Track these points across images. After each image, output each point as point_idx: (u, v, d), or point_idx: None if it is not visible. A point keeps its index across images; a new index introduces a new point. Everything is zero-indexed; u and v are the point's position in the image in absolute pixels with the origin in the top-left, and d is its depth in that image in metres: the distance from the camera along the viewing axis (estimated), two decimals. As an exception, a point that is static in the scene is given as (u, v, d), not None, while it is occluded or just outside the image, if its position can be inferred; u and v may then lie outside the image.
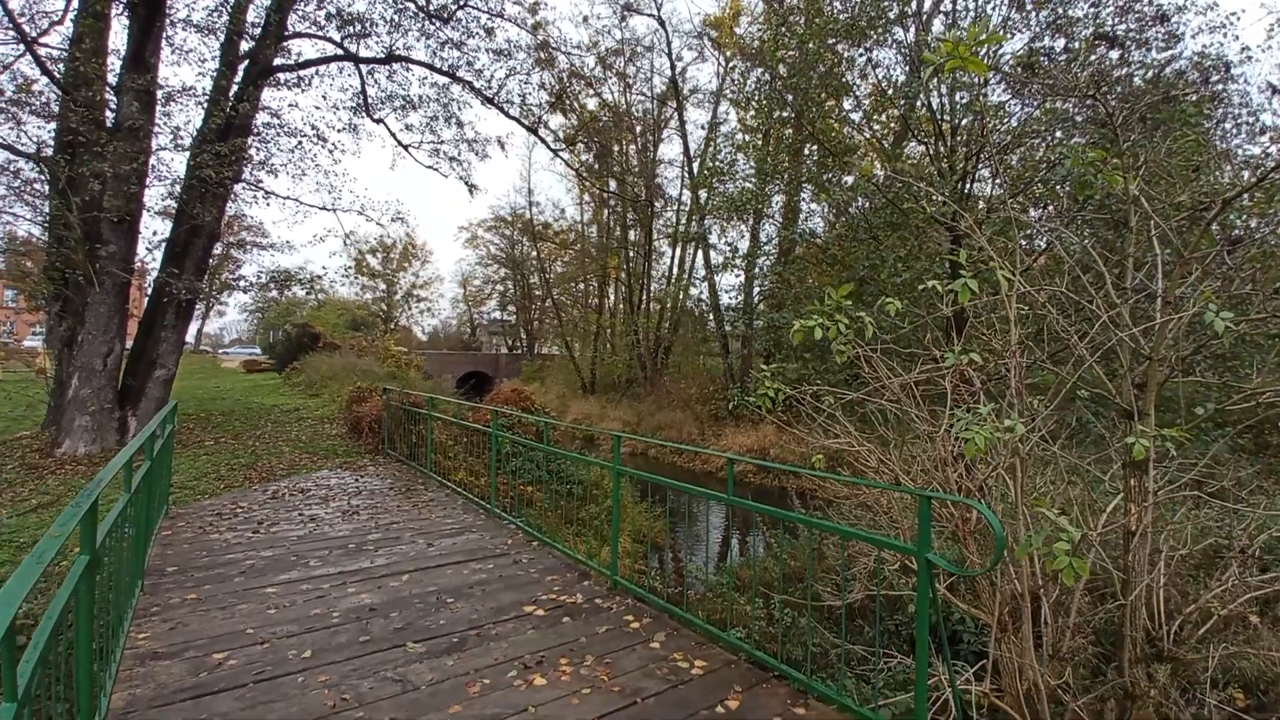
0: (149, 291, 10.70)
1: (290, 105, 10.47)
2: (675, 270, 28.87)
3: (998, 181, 10.18)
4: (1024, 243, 9.67)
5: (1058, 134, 9.05)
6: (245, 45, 10.71)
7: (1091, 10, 8.50)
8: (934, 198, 9.51)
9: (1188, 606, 3.36)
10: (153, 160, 10.07)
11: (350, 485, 7.18)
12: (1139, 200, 3.45)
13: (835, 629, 4.56)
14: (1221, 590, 3.18)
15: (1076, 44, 7.88)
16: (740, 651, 3.21)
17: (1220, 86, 7.98)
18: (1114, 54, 7.51)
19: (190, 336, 56.57)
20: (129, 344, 10.44)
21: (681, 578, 6.49)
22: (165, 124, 10.14)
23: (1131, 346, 3.15)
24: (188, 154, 9.74)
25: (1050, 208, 7.29)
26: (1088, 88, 5.49)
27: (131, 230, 9.71)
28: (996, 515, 2.43)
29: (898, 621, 4.78)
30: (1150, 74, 7.95)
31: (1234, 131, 8.41)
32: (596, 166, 27.46)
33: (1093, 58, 7.85)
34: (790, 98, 12.55)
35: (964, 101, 9.74)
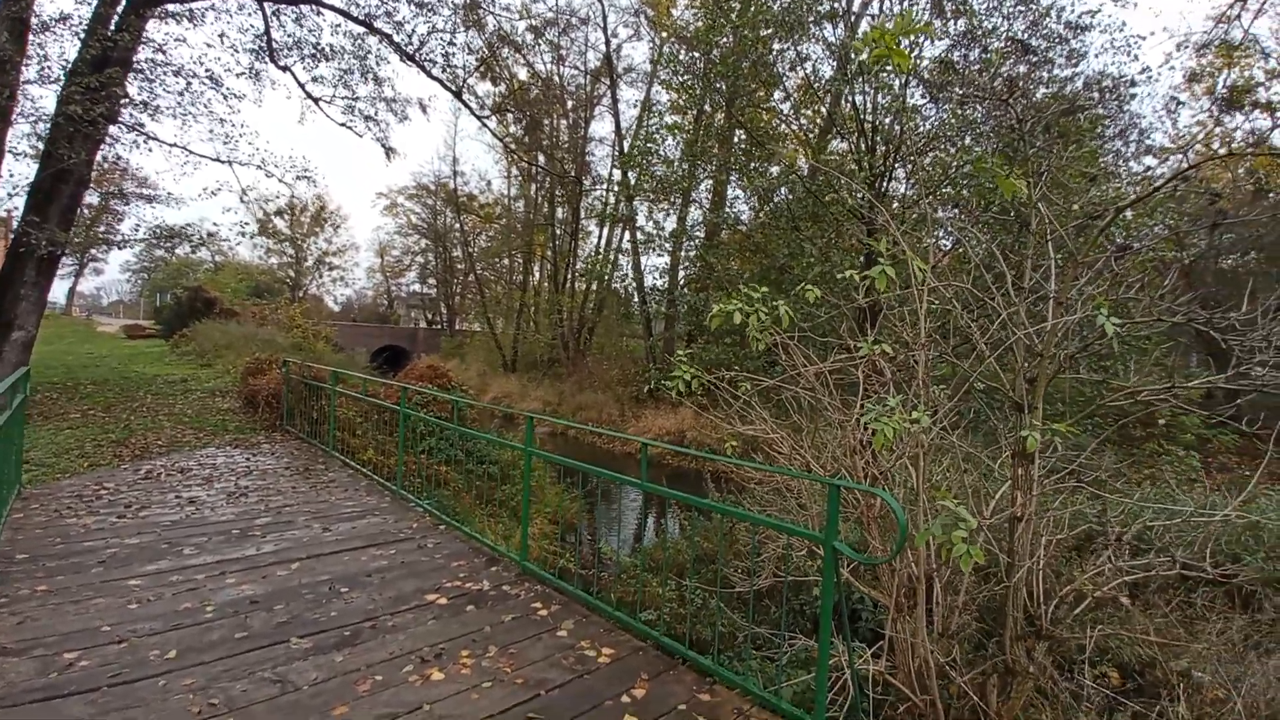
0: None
1: (177, 40, 9.22)
2: (602, 249, 28.61)
3: (911, 182, 10.66)
4: (932, 241, 10.21)
5: (967, 140, 9.57)
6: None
7: (1005, 23, 8.99)
8: (854, 192, 9.85)
9: (1063, 588, 3.64)
10: (21, 96, 8.77)
11: (240, 464, 6.62)
12: (1038, 206, 3.64)
13: (745, 611, 4.65)
14: (1095, 573, 3.45)
15: (989, 55, 8.32)
16: (649, 638, 3.18)
17: (1116, 106, 8.69)
18: (1022, 67, 7.99)
19: (61, 297, 50.80)
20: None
21: (595, 561, 6.44)
22: (38, 55, 8.82)
23: (1025, 343, 3.33)
24: (57, 88, 8.53)
25: (957, 209, 7.70)
26: (1001, 91, 5.79)
27: (-13, 176, 8.47)
28: (899, 502, 2.49)
29: (803, 602, 4.94)
30: (1054, 89, 8.53)
31: (1124, 150, 9.20)
32: (526, 139, 26.65)
33: (1004, 68, 8.32)
34: (722, 85, 12.58)
35: (885, 102, 10.08)
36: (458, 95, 11.33)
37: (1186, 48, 14.08)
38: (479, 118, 13.19)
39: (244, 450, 7.34)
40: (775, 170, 11.22)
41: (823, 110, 14.46)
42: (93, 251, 42.93)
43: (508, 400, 25.14)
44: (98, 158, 10.34)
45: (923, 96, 9.61)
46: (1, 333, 8.65)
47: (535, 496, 10.70)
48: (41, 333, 26.37)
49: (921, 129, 9.83)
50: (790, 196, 11.51)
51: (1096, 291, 3.26)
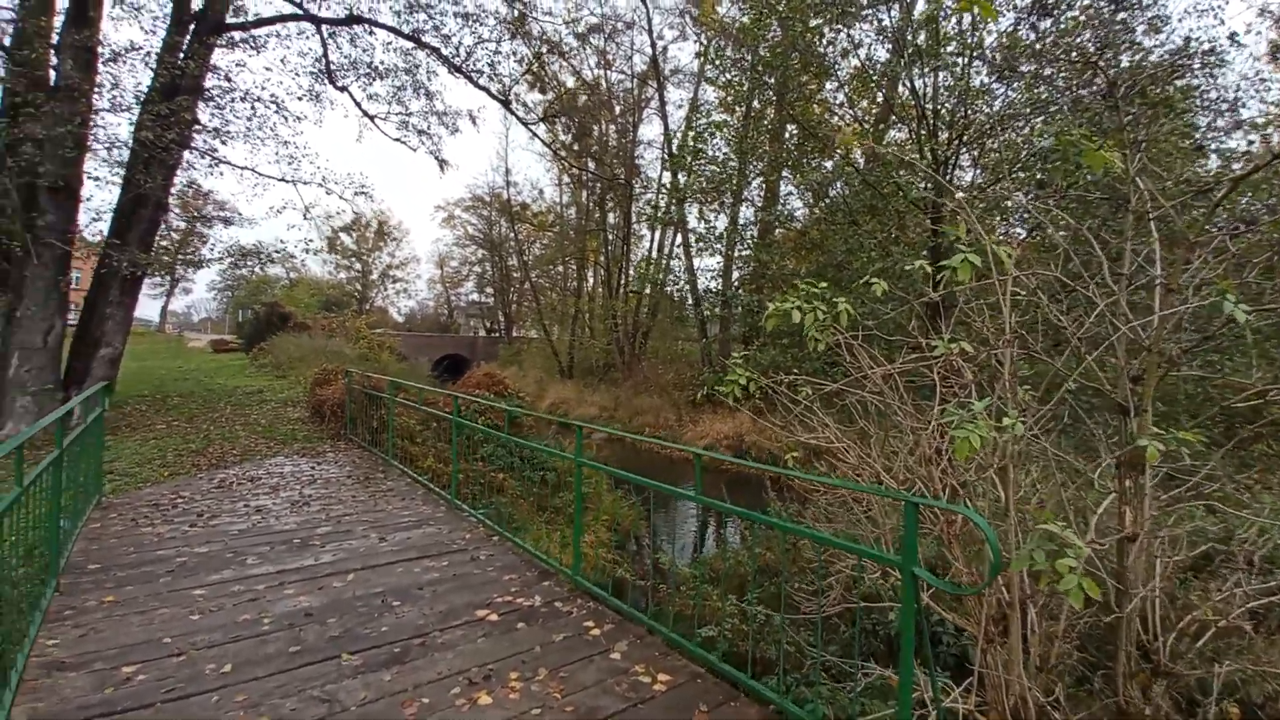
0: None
1: (238, 65, 9.68)
2: (654, 253, 28.49)
3: (979, 168, 10.00)
4: (1002, 230, 9.54)
5: (1038, 122, 8.87)
6: (197, 3, 10.04)
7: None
8: (916, 181, 9.32)
9: (1181, 615, 3.20)
10: (99, 125, 9.42)
11: (305, 473, 6.80)
12: (1136, 180, 3.23)
13: (810, 631, 4.36)
14: (1222, 599, 3.02)
15: (1063, 24, 7.67)
16: (708, 664, 2.97)
17: (1207, 75, 7.84)
18: (1103, 31, 7.29)
19: (155, 315, 54.80)
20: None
21: (654, 574, 6.26)
22: (110, 83, 9.47)
23: (1129, 337, 2.94)
24: (130, 116, 9.11)
25: (1041, 188, 7.08)
26: (1089, 54, 5.26)
27: (71, 199, 9.09)
28: (984, 518, 2.20)
29: (874, 622, 4.60)
30: (1137, 57, 7.79)
31: (1216, 123, 8.28)
32: (575, 147, 26.87)
33: (1080, 37, 7.65)
34: (771, 79, 12.21)
35: (948, 84, 9.51)
36: (505, 103, 11.47)
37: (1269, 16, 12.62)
38: (525, 124, 13.32)
39: (310, 459, 7.56)
40: (830, 164, 10.78)
41: (878, 99, 13.85)
42: (180, 271, 46.16)
43: (564, 406, 25.33)
44: (176, 183, 11.04)
45: (989, 76, 8.99)
46: (89, 350, 9.26)
47: (592, 504, 10.63)
48: (136, 349, 28.47)
49: (987, 110, 9.20)
50: (847, 190, 11.04)
51: (1214, 275, 2.85)
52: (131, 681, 2.66)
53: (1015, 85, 8.81)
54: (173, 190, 11.01)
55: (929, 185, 9.04)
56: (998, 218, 8.95)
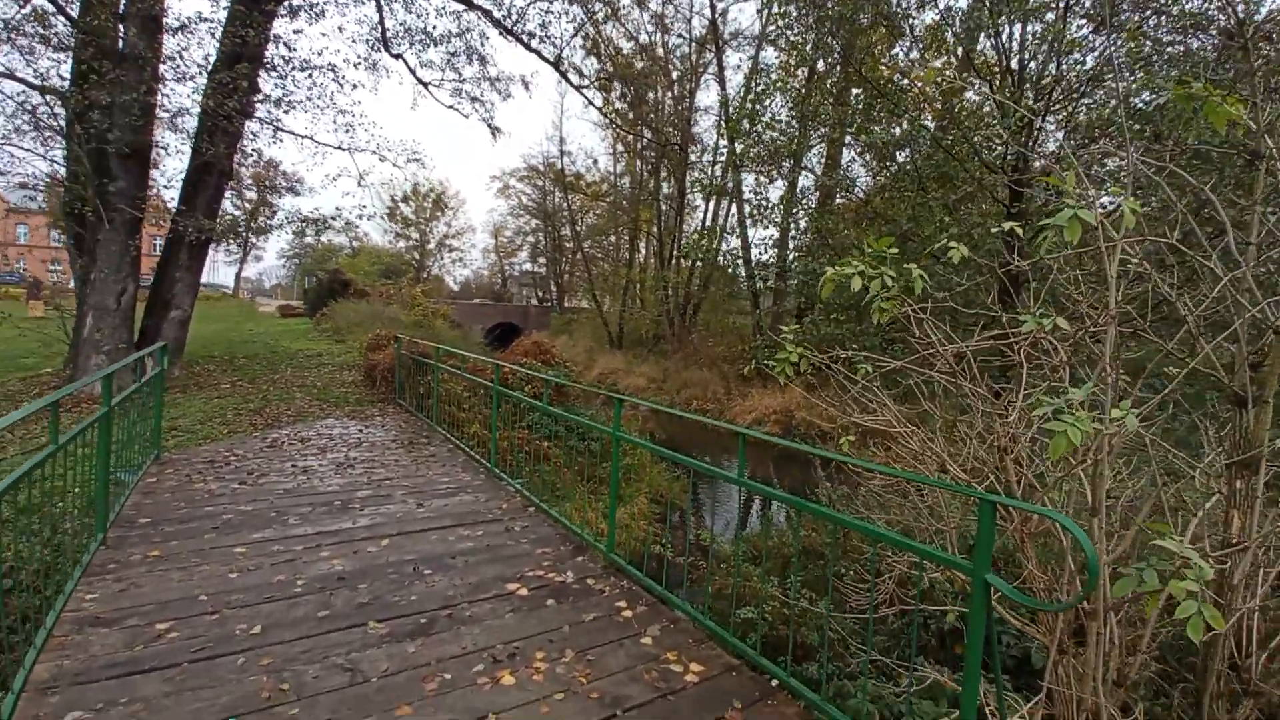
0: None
1: (296, 33, 9.70)
2: (709, 223, 27.84)
3: (1067, 134, 9.08)
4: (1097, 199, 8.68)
5: (1138, 77, 7.94)
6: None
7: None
8: (997, 143, 8.58)
9: (1276, 628, 2.80)
10: (167, 94, 9.70)
11: (353, 436, 6.93)
12: (1265, 137, 2.72)
13: (856, 622, 4.11)
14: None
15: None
16: (744, 656, 2.78)
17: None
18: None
19: (230, 281, 57.84)
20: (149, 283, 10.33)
21: (693, 551, 6.10)
22: (178, 54, 9.71)
23: (1257, 316, 2.50)
24: (193, 85, 9.32)
25: (1137, 150, 6.33)
26: None
27: (141, 166, 9.41)
28: (1076, 523, 1.89)
29: (927, 616, 4.30)
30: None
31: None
32: (631, 114, 26.31)
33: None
34: (836, 39, 11.44)
35: (1037, 35, 8.63)
36: (556, 65, 11.19)
37: None
38: (578, 89, 13.02)
39: (358, 422, 7.71)
40: (898, 129, 10.05)
41: (953, 60, 12.81)
42: (253, 239, 48.38)
43: (613, 377, 25.33)
44: (244, 154, 11.34)
45: (1086, 25, 8.08)
46: (160, 311, 9.68)
47: (635, 475, 10.56)
48: (211, 311, 29.90)
49: (1084, 65, 8.31)
50: (916, 155, 10.30)
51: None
52: (162, 639, 2.68)
53: (1117, 37, 7.89)
54: (236, 158, 11.33)
55: (1010, 149, 8.29)
56: (1089, 186, 8.14)
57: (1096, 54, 8.55)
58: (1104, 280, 2.24)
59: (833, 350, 2.97)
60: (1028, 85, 8.61)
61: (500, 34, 10.74)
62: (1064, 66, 8.38)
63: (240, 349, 14.74)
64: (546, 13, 10.50)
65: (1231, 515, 2.62)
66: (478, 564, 3.65)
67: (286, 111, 11.04)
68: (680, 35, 27.31)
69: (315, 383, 10.60)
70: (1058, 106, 8.69)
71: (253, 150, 10.84)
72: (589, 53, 25.20)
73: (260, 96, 10.54)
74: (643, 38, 26.71)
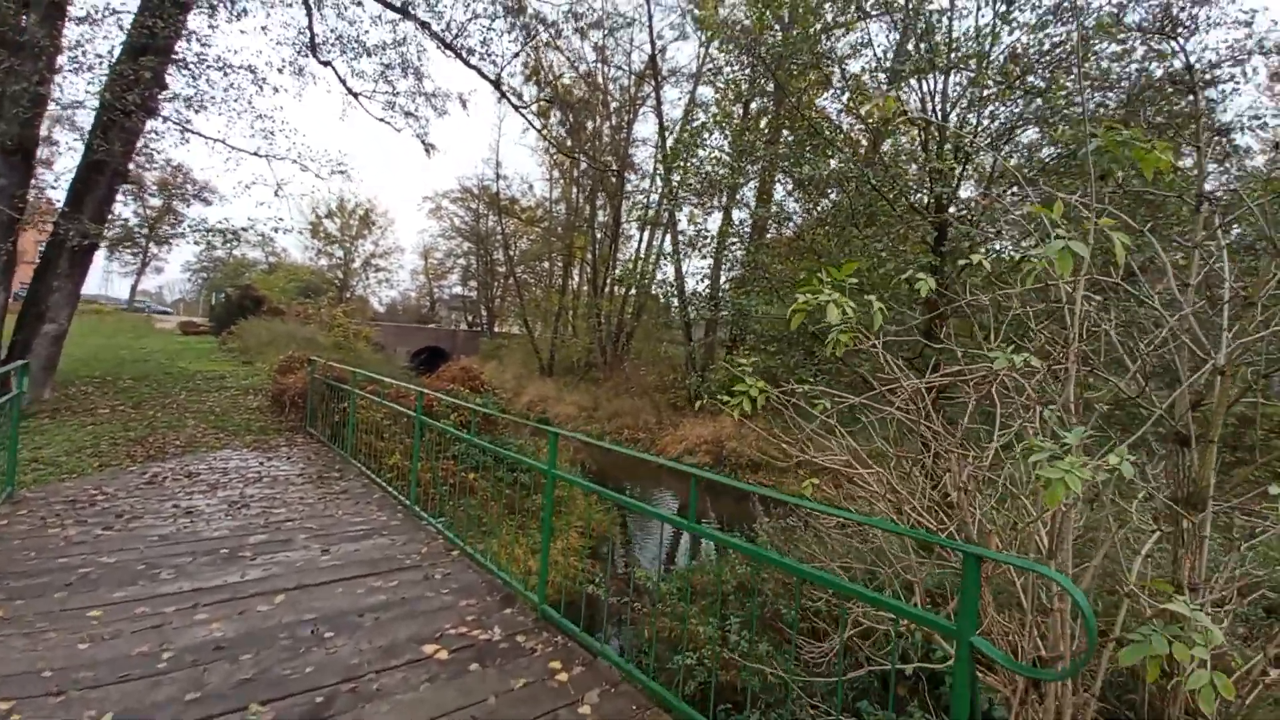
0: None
1: (211, 27, 8.90)
2: (642, 253, 28.01)
3: (988, 181, 9.60)
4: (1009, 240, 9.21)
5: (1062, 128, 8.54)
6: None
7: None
8: (918, 187, 8.96)
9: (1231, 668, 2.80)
10: (60, 85, 8.70)
11: (252, 469, 6.20)
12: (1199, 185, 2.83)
13: (806, 670, 3.90)
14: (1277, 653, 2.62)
15: (1089, 28, 7.31)
16: (694, 725, 2.49)
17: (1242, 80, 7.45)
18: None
19: (126, 293, 53.20)
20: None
21: (629, 591, 5.74)
22: (82, 46, 8.75)
23: (1198, 356, 2.53)
24: (90, 77, 8.42)
25: (1075, 193, 6.74)
26: (1163, 25, 4.87)
27: (25, 163, 8.38)
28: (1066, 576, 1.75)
29: (869, 656, 4.15)
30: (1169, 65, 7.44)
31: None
32: (569, 142, 26.33)
33: (1099, 45, 7.31)
34: (769, 82, 11.84)
35: (962, 86, 9.16)
36: (496, 84, 10.89)
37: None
38: (517, 108, 12.74)
39: (260, 453, 6.95)
40: (830, 165, 10.41)
41: (878, 106, 13.52)
42: (153, 249, 44.77)
43: (543, 404, 24.75)
44: (147, 156, 10.32)
45: (997, 84, 8.65)
46: (33, 324, 8.54)
47: (565, 507, 10.12)
48: (100, 326, 27.18)
49: (1000, 115, 8.87)
50: (846, 193, 10.68)
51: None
52: (-23, 734, 2.12)
53: (1027, 94, 8.47)
54: (139, 160, 10.32)
55: (935, 191, 8.67)
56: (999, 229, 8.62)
57: (1009, 109, 9.18)
58: (1050, 317, 2.18)
59: (787, 385, 2.80)
60: (948, 134, 9.09)
61: (439, 47, 10.37)
62: (980, 120, 8.90)
63: (129, 368, 13.30)
64: (488, 29, 10.25)
65: (1180, 556, 2.61)
66: (391, 621, 3.19)
67: (198, 112, 10.19)
68: (620, 68, 27.76)
69: (214, 408, 9.61)
70: (978, 155, 9.21)
71: (153, 150, 9.87)
72: (529, 79, 25.16)
73: (169, 94, 9.68)
74: (583, 67, 26.95)
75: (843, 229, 10.43)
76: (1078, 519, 2.68)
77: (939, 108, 9.32)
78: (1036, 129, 9.27)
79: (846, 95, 11.61)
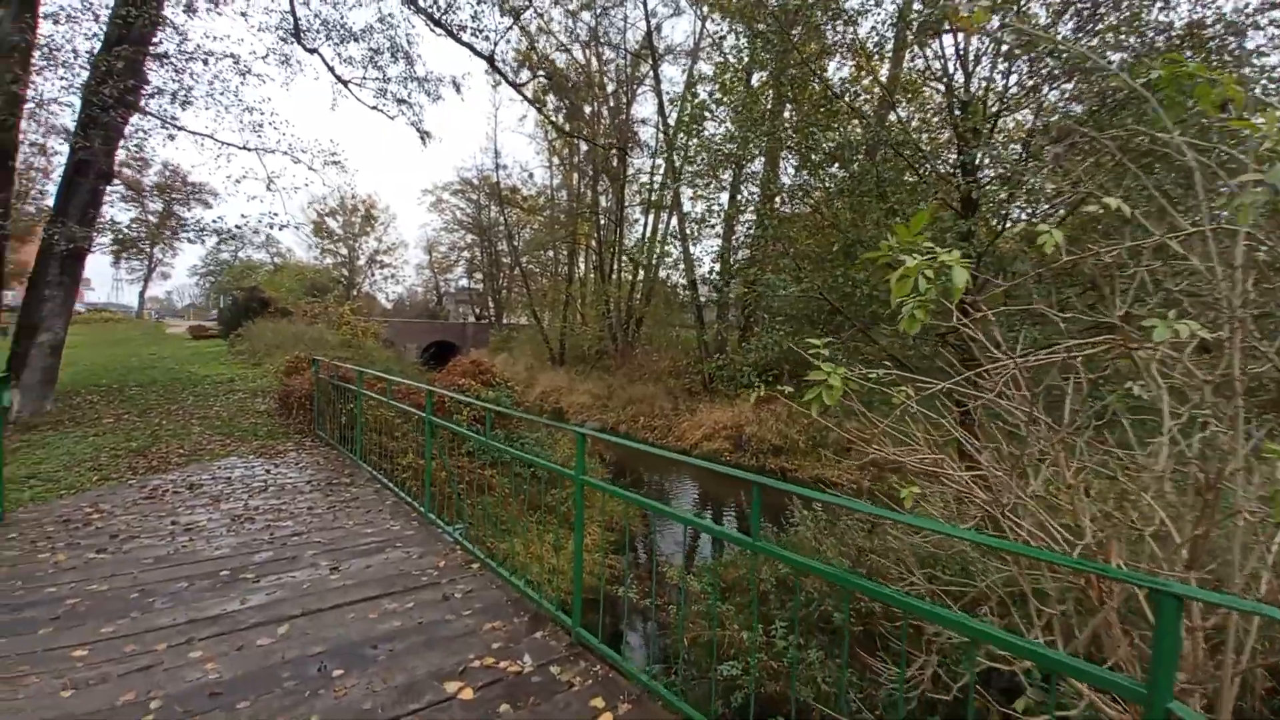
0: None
1: (189, 11, 8.38)
2: (648, 237, 27.48)
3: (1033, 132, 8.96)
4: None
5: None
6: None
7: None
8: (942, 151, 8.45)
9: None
10: (34, 83, 8.32)
11: (258, 478, 5.88)
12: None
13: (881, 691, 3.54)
14: None
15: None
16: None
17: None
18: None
19: (134, 300, 53.38)
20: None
21: (653, 583, 5.41)
22: (64, 42, 8.36)
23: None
24: (65, 74, 8.03)
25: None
26: None
27: (8, 168, 8.05)
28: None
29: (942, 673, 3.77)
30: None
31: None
32: (567, 127, 25.74)
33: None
34: (768, 52, 11.31)
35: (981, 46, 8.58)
36: (489, 59, 10.41)
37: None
38: (513, 84, 12.24)
39: (266, 460, 6.64)
40: (853, 132, 9.89)
41: (881, 78, 12.93)
42: (158, 255, 44.73)
43: (555, 395, 24.45)
44: (138, 157, 9.97)
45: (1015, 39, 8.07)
46: (27, 336, 8.24)
47: (589, 501, 9.80)
48: (110, 334, 27.17)
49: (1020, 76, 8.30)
50: (861, 165, 10.18)
51: None
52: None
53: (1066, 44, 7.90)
54: (130, 161, 10.00)
55: (964, 153, 8.15)
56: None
57: (1035, 67, 8.60)
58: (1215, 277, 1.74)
59: (856, 368, 2.39)
60: (974, 94, 8.55)
61: (427, 24, 9.88)
62: (1010, 76, 8.35)
63: (135, 376, 13.07)
64: (479, 2, 9.71)
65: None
66: (407, 653, 2.84)
67: (184, 107, 9.81)
68: (615, 46, 27.03)
69: (220, 413, 9.32)
70: (1005, 115, 8.67)
71: (141, 150, 9.51)
72: (522, 64, 24.54)
73: (152, 90, 9.28)
74: (577, 52, 26.32)
75: (861, 200, 9.94)
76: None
77: (961, 67, 8.76)
78: (1069, 83, 8.67)
79: (851, 62, 11.08)
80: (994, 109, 8.33)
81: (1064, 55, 7.69)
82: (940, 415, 2.81)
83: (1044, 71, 7.99)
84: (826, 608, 4.82)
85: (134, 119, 9.13)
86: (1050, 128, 7.41)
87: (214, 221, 9.67)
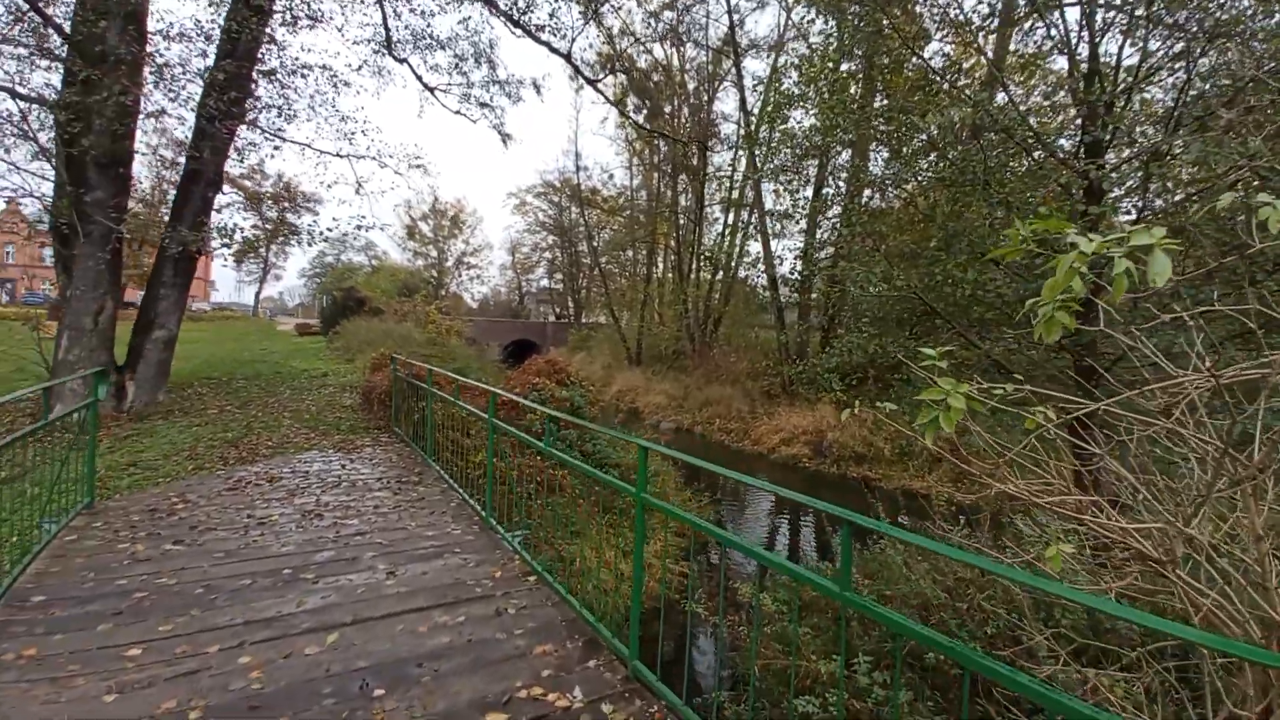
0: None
1: (290, 23, 8.82)
2: (727, 235, 26.88)
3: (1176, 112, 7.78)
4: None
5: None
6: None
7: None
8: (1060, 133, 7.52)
9: None
10: (146, 98, 9.03)
11: (334, 472, 6.00)
12: None
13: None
14: None
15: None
16: None
17: None
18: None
19: (251, 300, 58.43)
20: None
21: (722, 600, 5.02)
22: (178, 61, 9.04)
23: None
24: (175, 88, 8.62)
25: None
26: None
27: (122, 175, 8.72)
28: None
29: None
30: None
31: None
32: (648, 127, 25.61)
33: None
34: (859, 49, 10.61)
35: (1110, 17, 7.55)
36: (567, 57, 10.36)
37: None
38: (590, 81, 12.15)
39: (344, 454, 6.80)
40: (954, 114, 9.06)
41: (983, 60, 11.83)
42: (271, 259, 48.63)
43: (631, 394, 24.39)
44: (252, 169, 10.67)
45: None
46: (143, 331, 8.92)
47: (652, 515, 9.51)
48: (227, 331, 29.58)
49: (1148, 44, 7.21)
50: (949, 147, 9.29)
51: None
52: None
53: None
54: (242, 173, 10.70)
55: (1087, 136, 7.20)
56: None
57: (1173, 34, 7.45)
58: None
59: (873, 368, 1.94)
60: (1104, 68, 7.54)
61: (507, 25, 9.94)
62: (1151, 42, 7.29)
63: (243, 369, 14.04)
64: (555, 1, 9.68)
65: None
66: (452, 675, 2.64)
67: (289, 121, 10.37)
68: (696, 43, 26.61)
69: (310, 407, 9.77)
70: (1139, 90, 7.60)
71: (243, 158, 10.12)
72: (603, 66, 24.64)
73: (260, 105, 9.85)
74: (658, 51, 26.13)
75: (963, 190, 9.08)
76: None
77: (1081, 43, 7.75)
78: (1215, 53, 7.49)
79: (952, 42, 10.16)
80: (1126, 82, 7.31)
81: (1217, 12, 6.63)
82: (1050, 437, 2.30)
83: (1194, 30, 6.90)
84: (917, 645, 4.27)
85: (242, 131, 9.75)
86: (1207, 95, 6.36)
87: (328, 229, 10.15)
